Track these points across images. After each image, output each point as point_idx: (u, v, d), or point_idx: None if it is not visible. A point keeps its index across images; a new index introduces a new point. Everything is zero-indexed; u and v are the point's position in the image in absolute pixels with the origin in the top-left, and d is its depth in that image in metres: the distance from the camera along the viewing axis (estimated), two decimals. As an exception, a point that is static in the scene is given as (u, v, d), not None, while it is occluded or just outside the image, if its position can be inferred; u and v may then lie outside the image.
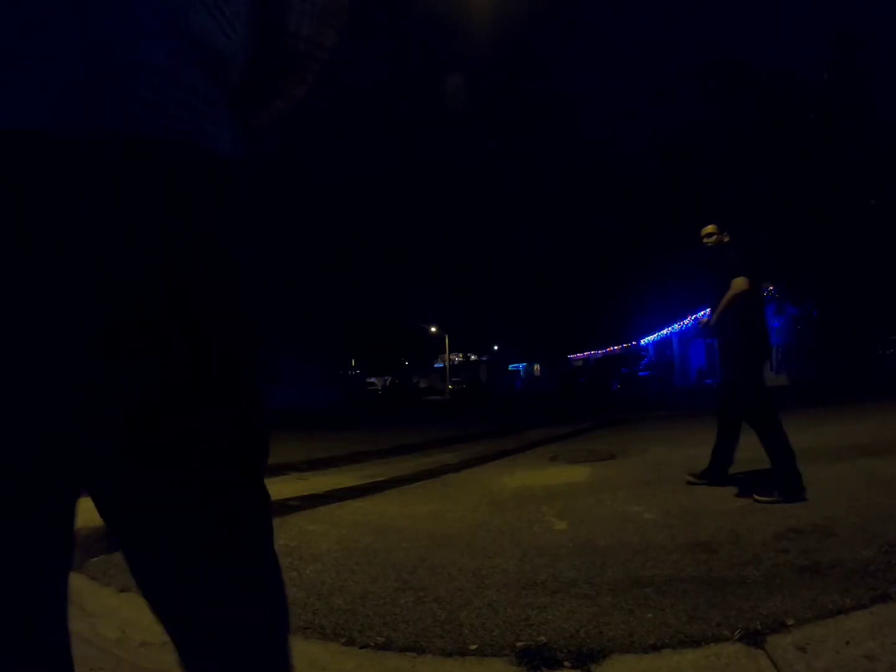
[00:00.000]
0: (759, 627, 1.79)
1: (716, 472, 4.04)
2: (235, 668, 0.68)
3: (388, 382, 39.73)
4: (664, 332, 28.32)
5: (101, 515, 0.66)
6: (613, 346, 35.20)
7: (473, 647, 1.84)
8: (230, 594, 0.67)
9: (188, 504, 0.63)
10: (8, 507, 0.62)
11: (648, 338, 30.94)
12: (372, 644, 1.89)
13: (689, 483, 4.06)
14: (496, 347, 46.70)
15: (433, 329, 39.32)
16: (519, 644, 1.82)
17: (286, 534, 3.26)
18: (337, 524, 3.53)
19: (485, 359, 47.84)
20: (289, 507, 3.90)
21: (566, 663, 1.70)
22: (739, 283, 3.62)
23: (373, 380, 40.11)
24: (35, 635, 0.69)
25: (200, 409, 0.61)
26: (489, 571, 2.54)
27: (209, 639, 0.67)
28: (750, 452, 4.04)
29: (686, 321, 24.36)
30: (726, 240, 3.88)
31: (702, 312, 22.15)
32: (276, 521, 2.88)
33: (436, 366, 46.26)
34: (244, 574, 0.69)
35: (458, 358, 46.58)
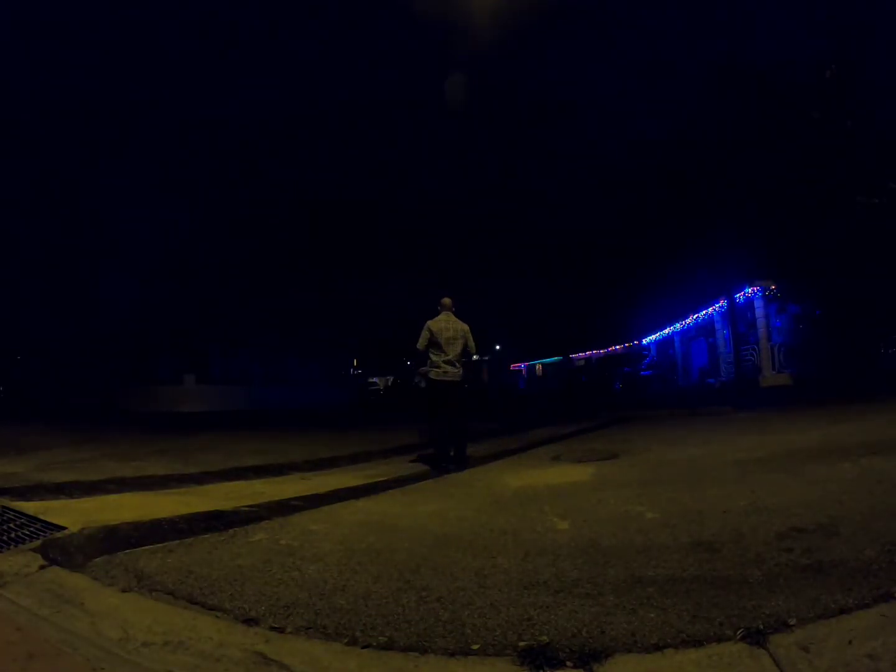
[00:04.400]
0: (762, 627, 1.79)
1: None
2: (461, 432, 5.88)
3: (389, 382, 39.75)
4: (666, 331, 28.27)
5: (449, 413, 5.72)
6: (615, 345, 35.17)
7: (476, 646, 1.84)
8: (464, 414, 5.93)
9: (461, 406, 5.83)
10: (445, 406, 5.71)
11: (650, 337, 30.90)
12: (374, 644, 1.89)
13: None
14: (498, 347, 46.64)
15: (435, 328, 39.34)
16: (521, 644, 1.82)
17: (288, 534, 3.26)
18: (339, 524, 3.53)
19: (486, 358, 47.80)
20: (291, 507, 3.90)
21: (568, 663, 1.70)
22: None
23: (375, 379, 40.11)
24: (445, 427, 5.74)
25: (465, 401, 6.00)
26: (491, 571, 2.54)
27: (459, 425, 5.83)
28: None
29: (688, 320, 24.31)
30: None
31: (704, 312, 22.09)
32: (278, 522, 2.90)
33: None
34: (464, 416, 5.91)
35: (459, 357, 46.57)
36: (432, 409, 5.87)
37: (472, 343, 5.95)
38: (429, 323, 5.87)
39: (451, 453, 5.74)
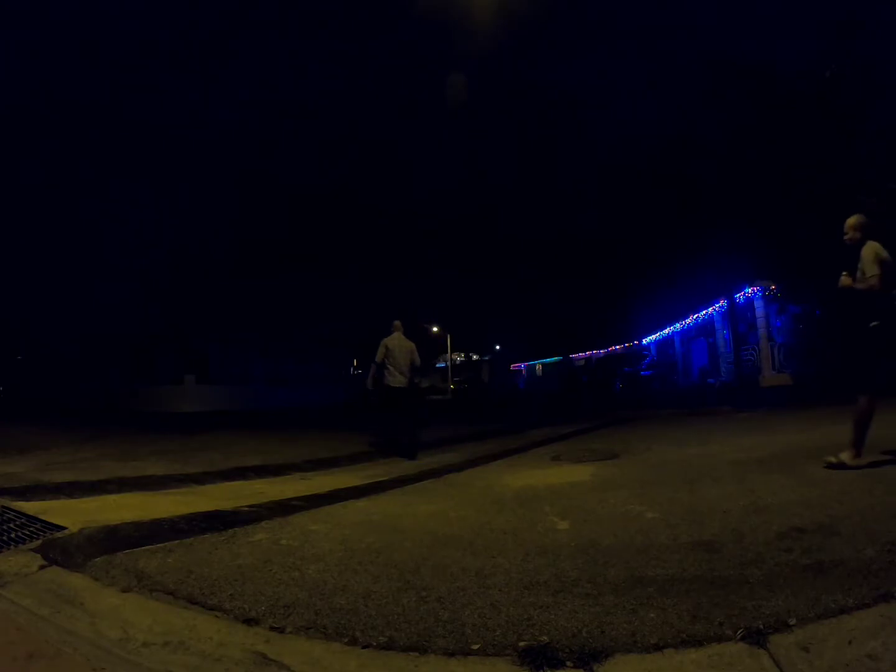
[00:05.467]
0: (762, 627, 1.79)
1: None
2: (413, 429, 6.98)
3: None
4: (666, 331, 28.25)
5: (403, 409, 6.98)
6: (615, 345, 35.15)
7: (476, 646, 1.84)
8: (415, 413, 7.15)
9: (415, 402, 7.28)
10: (402, 407, 7.04)
11: (650, 337, 30.88)
12: (374, 644, 1.89)
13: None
14: (498, 347, 46.65)
15: (435, 329, 39.35)
16: (521, 644, 1.82)
17: (289, 534, 3.26)
18: (339, 524, 3.53)
19: (487, 358, 47.83)
20: (291, 507, 3.90)
21: (568, 663, 1.70)
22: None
23: (375, 380, 40.08)
24: (395, 419, 7.17)
25: (419, 397, 8.07)
26: (491, 571, 2.54)
27: (411, 422, 6.96)
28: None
29: (688, 320, 24.30)
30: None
31: (704, 312, 22.10)
32: (278, 522, 2.89)
33: (438, 365, 46.28)
34: (418, 411, 7.41)
35: (460, 357, 46.60)
36: (385, 406, 7.20)
37: (416, 357, 7.23)
38: (384, 340, 7.17)
39: (405, 442, 6.86)
